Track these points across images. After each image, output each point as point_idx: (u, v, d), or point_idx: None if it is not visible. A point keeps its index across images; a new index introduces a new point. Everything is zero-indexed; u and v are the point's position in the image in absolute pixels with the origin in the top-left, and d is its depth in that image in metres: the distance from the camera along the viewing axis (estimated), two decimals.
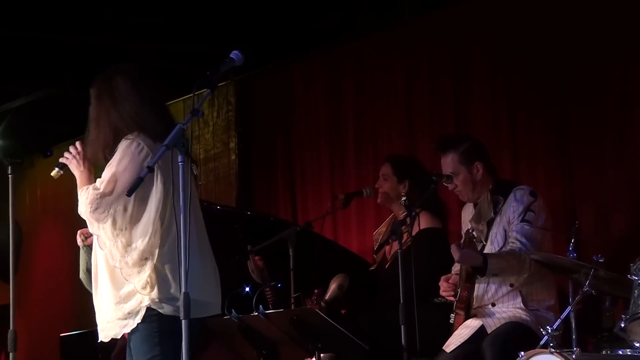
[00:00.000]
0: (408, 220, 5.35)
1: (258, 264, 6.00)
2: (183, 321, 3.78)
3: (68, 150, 4.33)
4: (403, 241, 5.18)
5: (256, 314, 5.06)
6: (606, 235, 5.83)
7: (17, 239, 9.85)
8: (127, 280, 4.10)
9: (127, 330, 4.14)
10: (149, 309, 4.09)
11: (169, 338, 4.11)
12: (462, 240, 5.04)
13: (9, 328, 4.83)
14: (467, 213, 5.44)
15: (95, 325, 4.27)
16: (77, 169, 4.30)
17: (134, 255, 4.09)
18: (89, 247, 4.41)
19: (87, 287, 4.42)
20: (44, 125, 9.72)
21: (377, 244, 6.09)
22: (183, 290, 3.78)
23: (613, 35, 5.86)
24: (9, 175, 4.92)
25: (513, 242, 5.07)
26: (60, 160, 4.32)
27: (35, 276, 10.44)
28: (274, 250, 5.83)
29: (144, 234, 4.09)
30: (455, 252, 4.98)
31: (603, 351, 4.64)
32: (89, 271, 4.38)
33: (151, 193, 4.12)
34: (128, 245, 4.11)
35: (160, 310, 4.08)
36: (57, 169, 4.33)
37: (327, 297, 5.83)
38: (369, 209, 7.14)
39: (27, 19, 7.36)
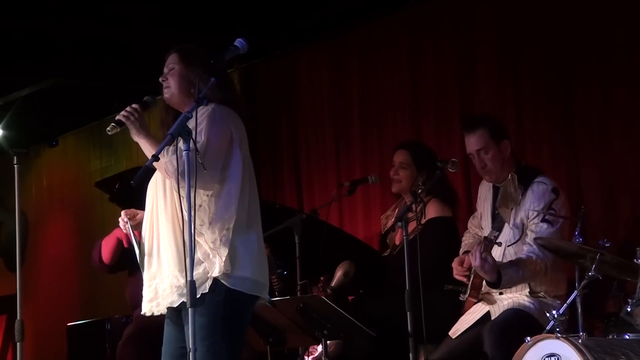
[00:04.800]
0: (414, 207, 5.33)
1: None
2: (190, 310, 3.79)
3: (125, 110, 4.17)
4: (411, 229, 5.18)
5: (263, 301, 5.06)
6: (613, 220, 5.82)
7: (24, 229, 9.95)
8: (208, 248, 4.04)
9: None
10: (216, 281, 4.03)
11: (236, 319, 4.08)
12: (482, 248, 4.96)
13: (16, 318, 4.83)
14: (484, 190, 5.38)
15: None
16: (137, 133, 4.15)
17: (217, 224, 4.05)
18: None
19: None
20: (50, 115, 9.72)
21: (385, 228, 6.09)
22: (189, 278, 3.78)
23: (621, 16, 5.84)
24: (15, 166, 4.90)
25: (530, 245, 5.03)
26: (118, 117, 4.16)
27: (41, 266, 10.46)
28: (279, 237, 5.83)
29: (226, 205, 4.07)
30: (472, 260, 4.94)
31: (610, 336, 4.64)
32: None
33: (232, 162, 4.11)
34: (213, 213, 4.07)
35: (228, 285, 4.02)
36: (113, 124, 4.15)
37: (333, 284, 5.84)
38: (375, 195, 7.14)
39: (32, 8, 7.35)
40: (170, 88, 4.26)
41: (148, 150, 4.13)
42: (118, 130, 4.17)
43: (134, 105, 4.19)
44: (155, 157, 3.87)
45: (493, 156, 5.22)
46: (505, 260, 5.07)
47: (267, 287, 4.22)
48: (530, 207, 5.08)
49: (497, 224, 5.14)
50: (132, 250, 4.36)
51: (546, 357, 4.41)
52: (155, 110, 4.36)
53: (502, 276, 4.89)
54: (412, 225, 5.41)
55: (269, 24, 7.75)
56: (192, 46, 4.35)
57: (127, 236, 4.39)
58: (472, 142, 5.26)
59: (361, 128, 7.45)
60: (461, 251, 5.40)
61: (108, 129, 4.18)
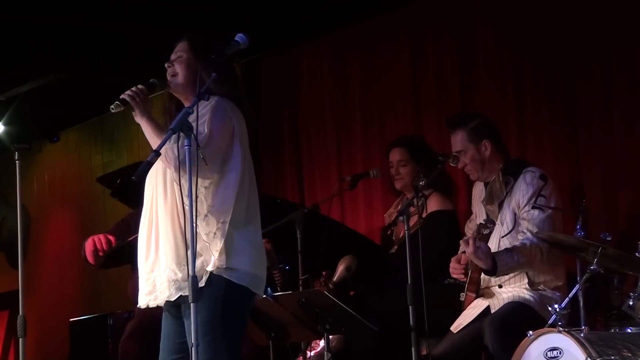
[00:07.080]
0: (415, 201, 5.35)
1: (266, 247, 5.99)
2: (192, 305, 3.79)
3: (131, 90, 4.12)
4: (412, 223, 5.19)
5: (265, 296, 5.07)
6: (614, 213, 5.82)
7: (26, 225, 9.95)
8: (204, 240, 4.03)
9: (184, 292, 3.97)
10: (212, 274, 4.00)
11: (236, 314, 4.07)
12: (475, 235, 5.00)
13: (19, 313, 4.83)
14: (478, 191, 5.44)
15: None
16: (140, 114, 4.10)
17: (212, 216, 4.04)
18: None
19: None
20: (51, 110, 9.72)
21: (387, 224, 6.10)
22: (191, 274, 3.79)
23: (621, 12, 5.84)
24: (16, 161, 4.90)
25: (523, 232, 5.05)
26: (123, 96, 4.10)
27: (44, 262, 10.46)
28: (281, 232, 5.83)
29: (223, 198, 4.06)
30: (466, 247, 4.97)
31: (611, 329, 4.65)
32: None
33: (232, 156, 4.11)
34: (209, 205, 4.05)
35: (228, 278, 4.01)
36: (117, 102, 4.09)
37: (335, 278, 5.84)
38: (376, 190, 7.14)
39: (33, 3, 7.35)
40: (177, 77, 4.22)
41: (149, 133, 4.09)
42: (122, 109, 4.11)
43: (140, 86, 4.14)
44: (157, 153, 3.86)
45: (472, 157, 5.31)
46: None
47: (264, 283, 4.20)
48: (520, 196, 5.11)
49: (491, 217, 5.20)
50: (134, 246, 4.36)
51: (548, 350, 4.42)
52: (157, 105, 4.34)
53: (497, 262, 4.91)
54: (413, 220, 5.42)
55: (270, 18, 7.74)
56: (203, 36, 4.31)
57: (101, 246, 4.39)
58: (453, 143, 5.38)
59: (363, 122, 7.45)
60: (460, 251, 5.41)
61: (112, 106, 4.11)
